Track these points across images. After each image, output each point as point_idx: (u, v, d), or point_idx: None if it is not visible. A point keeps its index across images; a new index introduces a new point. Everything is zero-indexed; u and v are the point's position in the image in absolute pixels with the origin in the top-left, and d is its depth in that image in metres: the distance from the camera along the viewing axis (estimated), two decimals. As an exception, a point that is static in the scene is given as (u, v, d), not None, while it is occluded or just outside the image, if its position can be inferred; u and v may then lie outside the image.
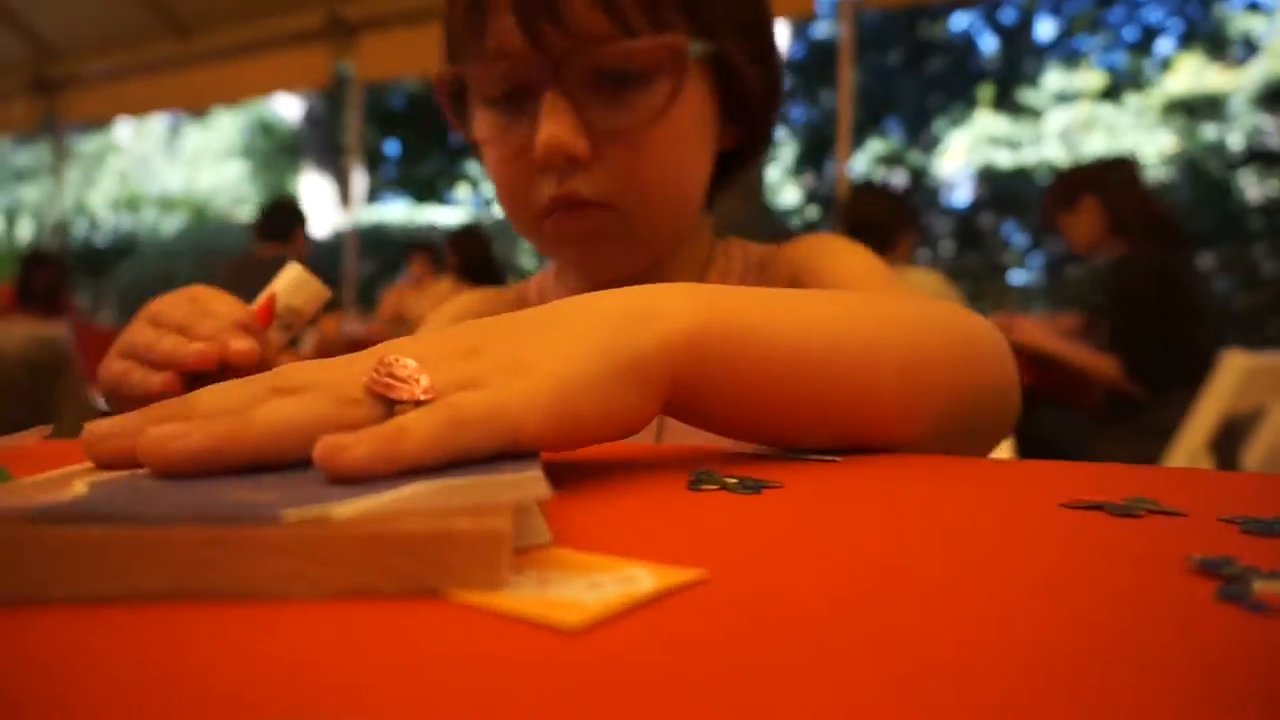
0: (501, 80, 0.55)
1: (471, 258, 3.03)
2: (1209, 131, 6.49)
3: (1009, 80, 7.51)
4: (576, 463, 0.36)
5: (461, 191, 9.47)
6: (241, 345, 0.46)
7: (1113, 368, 1.97)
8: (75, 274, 4.91)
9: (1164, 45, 7.17)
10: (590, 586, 0.20)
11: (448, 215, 8.83)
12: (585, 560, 0.22)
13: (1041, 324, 2.29)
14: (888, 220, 2.15)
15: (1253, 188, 6.26)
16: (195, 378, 0.45)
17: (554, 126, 0.52)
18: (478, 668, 0.15)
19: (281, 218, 2.70)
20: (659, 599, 0.19)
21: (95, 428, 0.26)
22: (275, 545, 0.19)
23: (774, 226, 3.91)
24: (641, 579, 0.20)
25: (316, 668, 0.15)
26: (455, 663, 0.16)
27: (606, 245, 0.58)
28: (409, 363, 0.29)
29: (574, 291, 0.63)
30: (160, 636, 0.17)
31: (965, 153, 7.41)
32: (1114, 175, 2.05)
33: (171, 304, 0.49)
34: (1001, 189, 7.20)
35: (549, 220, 0.57)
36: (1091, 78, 7.21)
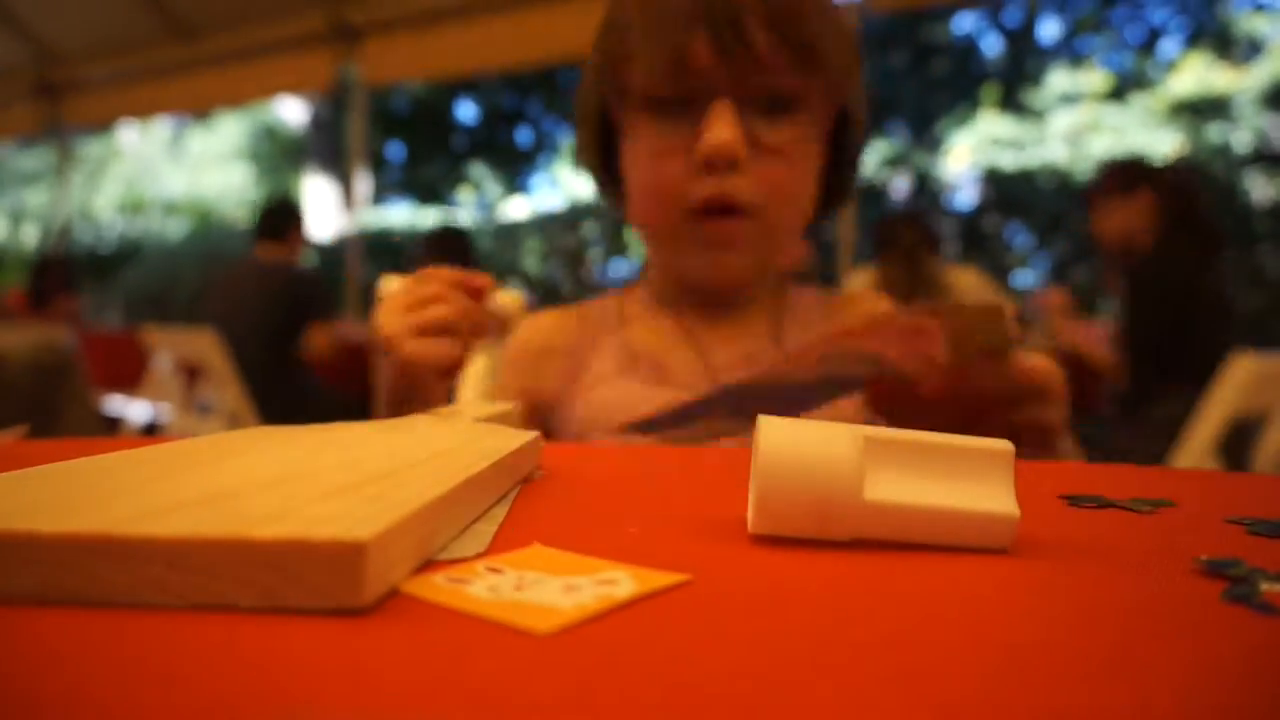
0: (674, 84, 0.60)
1: (451, 260, 3.00)
2: (1215, 132, 6.47)
3: (1013, 82, 7.50)
4: (584, 464, 0.36)
5: (465, 194, 9.49)
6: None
7: (1112, 362, 1.98)
8: (80, 278, 4.92)
9: (1169, 46, 7.15)
10: (567, 590, 0.19)
11: (453, 218, 8.85)
12: (566, 561, 0.21)
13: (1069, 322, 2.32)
14: (915, 246, 2.40)
15: (1259, 189, 6.24)
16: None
17: (724, 130, 0.58)
18: (447, 672, 0.15)
19: (277, 217, 2.69)
20: (637, 602, 0.18)
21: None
22: (139, 551, 0.18)
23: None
24: (621, 582, 0.19)
25: (287, 674, 0.14)
26: (424, 667, 0.15)
27: (739, 255, 0.63)
28: None
29: (670, 307, 0.68)
30: (145, 642, 0.16)
31: (970, 154, 7.40)
32: (1175, 175, 2.08)
33: (430, 285, 0.55)
34: (1006, 191, 7.18)
35: (702, 224, 0.61)
36: (1096, 79, 7.19)
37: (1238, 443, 1.51)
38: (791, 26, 0.58)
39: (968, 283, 2.30)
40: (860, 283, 2.50)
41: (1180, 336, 1.93)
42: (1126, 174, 2.12)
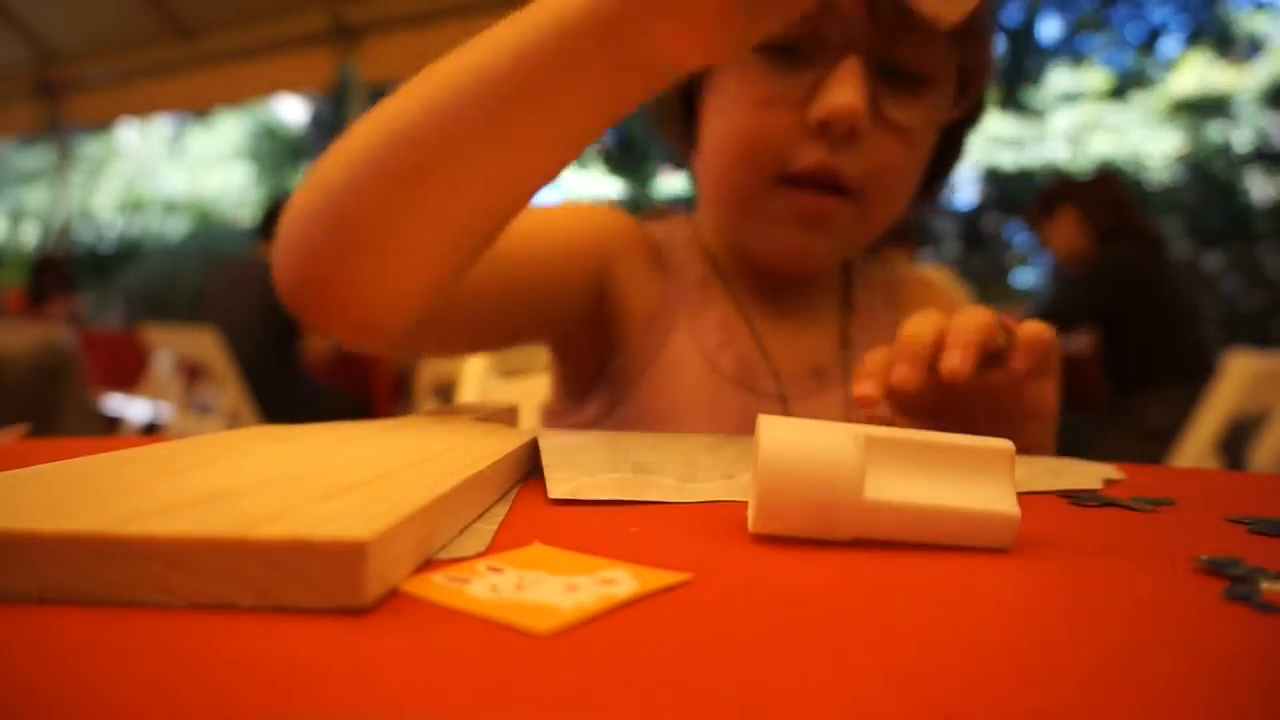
0: (804, 27, 0.51)
1: None
2: (1215, 131, 6.46)
3: (1013, 81, 7.49)
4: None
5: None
6: None
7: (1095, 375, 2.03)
8: (79, 277, 4.92)
9: (1170, 45, 7.15)
10: (567, 589, 0.19)
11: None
12: (567, 560, 0.21)
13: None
14: (900, 230, 2.36)
15: (1259, 188, 6.23)
16: None
17: (851, 93, 0.49)
18: (447, 672, 0.15)
19: (278, 218, 2.70)
20: (638, 601, 0.18)
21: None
22: (139, 551, 0.18)
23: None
24: (622, 581, 0.19)
25: (287, 673, 0.14)
26: (424, 666, 0.15)
27: (828, 239, 0.55)
28: None
29: (723, 282, 0.59)
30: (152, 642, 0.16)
31: (970, 153, 7.40)
32: (1092, 186, 2.14)
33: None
34: (1005, 190, 7.18)
35: (794, 195, 0.53)
36: (1097, 78, 7.19)
37: (1235, 443, 1.51)
38: None
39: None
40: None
41: (1147, 338, 1.97)
42: (1044, 198, 2.23)
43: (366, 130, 0.40)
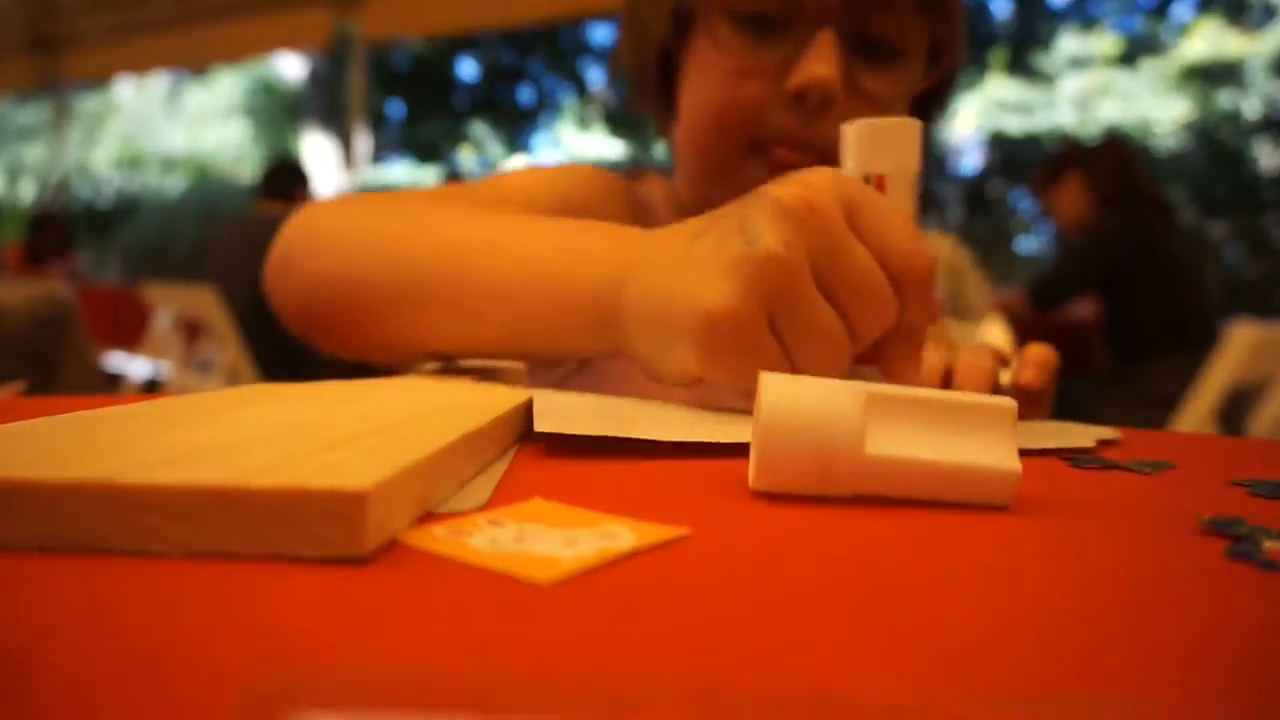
0: (778, 0, 0.53)
1: None
2: (1225, 99, 6.39)
3: (1022, 45, 7.39)
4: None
5: (466, 153, 9.41)
6: None
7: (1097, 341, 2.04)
8: (77, 234, 4.90)
9: (1181, 10, 7.04)
10: (567, 542, 0.19)
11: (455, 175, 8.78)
12: (566, 514, 0.21)
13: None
14: None
15: (1267, 156, 6.18)
16: None
17: (825, 64, 0.51)
18: (447, 621, 0.15)
19: (284, 177, 2.70)
20: (637, 555, 0.18)
21: None
22: (138, 500, 0.17)
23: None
24: (621, 535, 0.19)
25: (288, 622, 0.14)
26: (424, 616, 0.15)
27: None
28: None
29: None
30: (168, 594, 0.16)
31: (975, 118, 7.32)
32: (1099, 153, 2.12)
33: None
34: (1011, 155, 7.12)
35: (765, 159, 0.54)
36: (1106, 43, 7.09)
37: (1236, 411, 1.51)
38: None
39: (938, 250, 2.26)
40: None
41: (1149, 304, 1.96)
42: (1050, 163, 2.22)
43: (375, 244, 0.47)
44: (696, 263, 0.34)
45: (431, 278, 0.44)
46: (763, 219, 0.32)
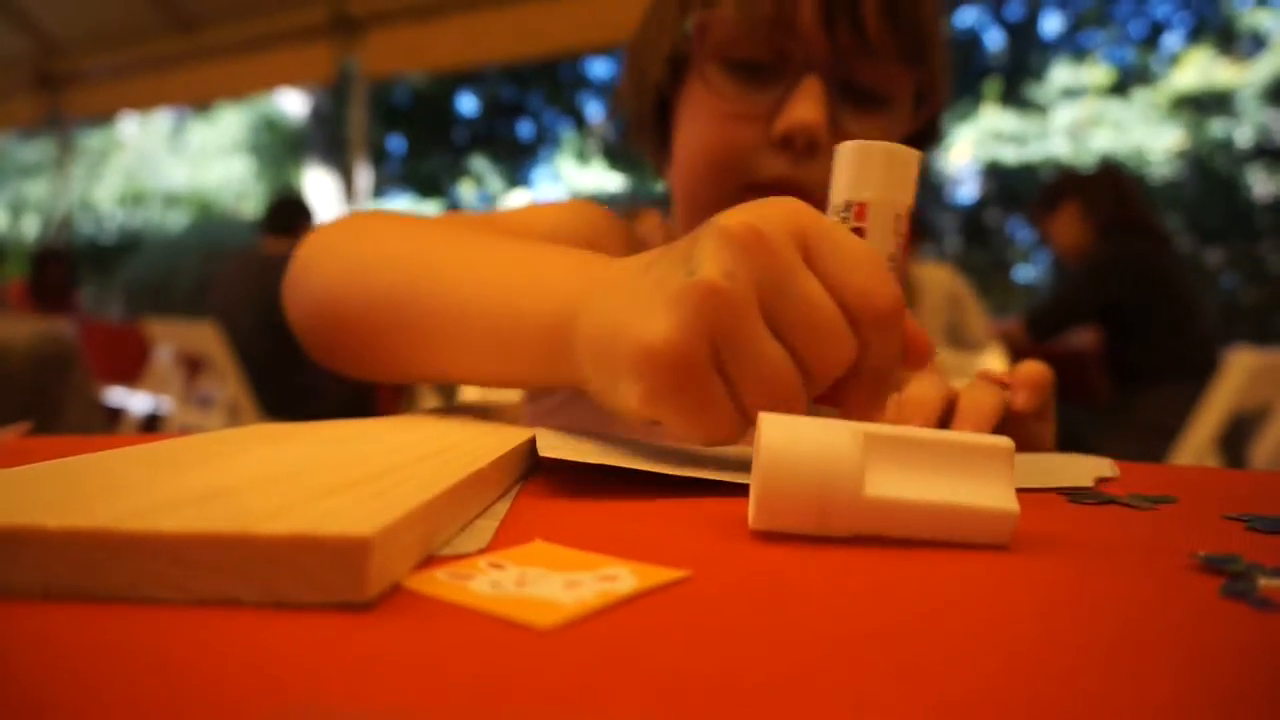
0: (767, 46, 0.55)
1: None
2: (1217, 127, 6.45)
3: (1015, 76, 7.48)
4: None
5: (466, 187, 9.48)
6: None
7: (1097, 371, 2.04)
8: (80, 270, 4.92)
9: (1172, 40, 7.13)
10: (568, 585, 0.19)
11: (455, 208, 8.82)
12: (568, 557, 0.21)
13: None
14: None
15: (1260, 184, 6.23)
16: None
17: (811, 109, 0.53)
18: (449, 667, 0.15)
19: (288, 212, 2.73)
20: (638, 598, 0.19)
21: None
22: (142, 547, 0.18)
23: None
24: (622, 578, 0.20)
25: (292, 668, 0.15)
26: (426, 661, 0.15)
27: None
28: None
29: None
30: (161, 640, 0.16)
31: (971, 148, 7.38)
32: (1095, 181, 2.14)
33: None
34: (1007, 185, 7.17)
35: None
36: (1098, 73, 7.17)
37: (1235, 439, 1.51)
38: (906, 17, 0.54)
39: (937, 281, 2.22)
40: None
41: (1148, 333, 1.96)
42: (1047, 193, 2.24)
43: (359, 266, 0.48)
44: (642, 292, 0.32)
45: (403, 301, 0.44)
46: (707, 247, 0.30)
